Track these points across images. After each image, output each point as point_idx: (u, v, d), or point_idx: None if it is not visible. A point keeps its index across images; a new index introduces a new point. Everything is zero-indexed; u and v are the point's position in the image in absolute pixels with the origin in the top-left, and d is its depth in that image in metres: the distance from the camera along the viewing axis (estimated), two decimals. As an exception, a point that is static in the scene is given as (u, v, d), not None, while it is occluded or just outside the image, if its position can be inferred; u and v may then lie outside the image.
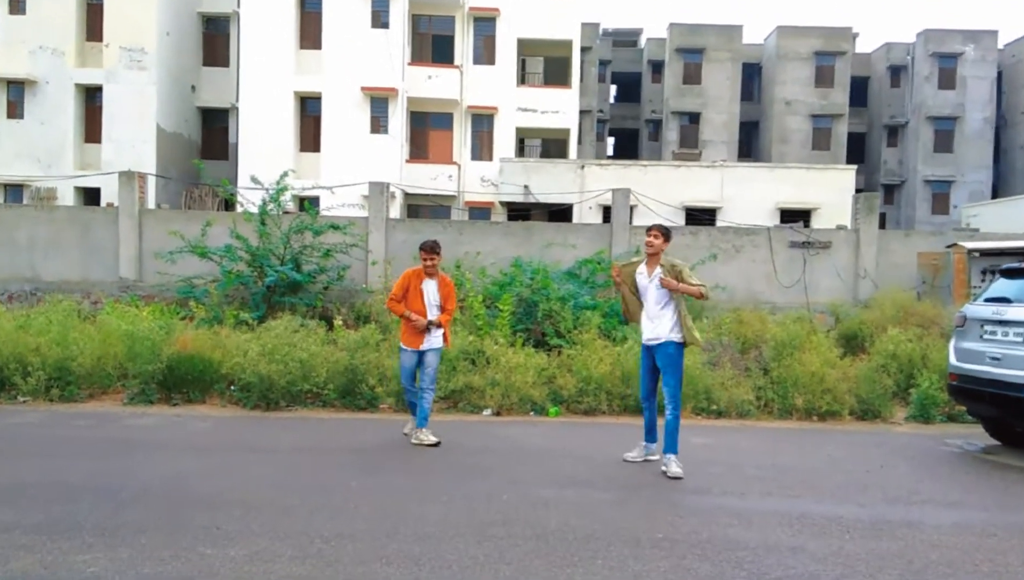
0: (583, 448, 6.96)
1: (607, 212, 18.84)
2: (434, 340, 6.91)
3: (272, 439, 7.12)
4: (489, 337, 9.72)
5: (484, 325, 10.42)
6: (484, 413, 8.53)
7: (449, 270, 13.15)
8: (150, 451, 6.49)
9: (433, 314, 6.87)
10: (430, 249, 6.87)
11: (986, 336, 7.16)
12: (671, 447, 6.09)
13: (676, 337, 6.06)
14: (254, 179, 12.93)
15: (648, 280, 6.14)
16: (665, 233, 6.20)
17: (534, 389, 8.66)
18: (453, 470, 6.09)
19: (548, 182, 24.27)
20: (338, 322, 10.22)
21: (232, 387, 8.69)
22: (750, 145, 40.22)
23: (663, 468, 6.05)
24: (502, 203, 25.53)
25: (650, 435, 6.45)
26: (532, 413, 8.60)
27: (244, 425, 7.77)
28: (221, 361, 8.81)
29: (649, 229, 6.23)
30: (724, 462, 6.62)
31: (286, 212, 13.57)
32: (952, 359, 7.54)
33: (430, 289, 6.90)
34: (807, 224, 22.06)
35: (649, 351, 6.22)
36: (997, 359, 6.92)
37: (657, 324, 6.10)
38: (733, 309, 12.27)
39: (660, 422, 6.40)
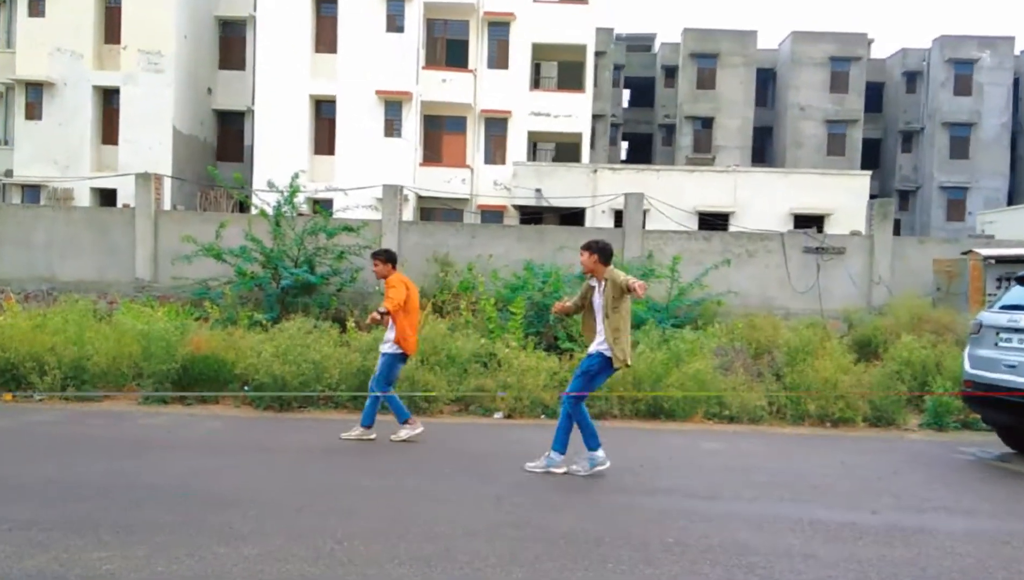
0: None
1: (619, 216, 18.81)
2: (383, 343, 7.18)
3: (285, 440, 7.16)
4: (501, 340, 9.74)
5: (496, 328, 10.44)
6: (496, 416, 8.54)
7: (462, 273, 13.21)
8: (164, 450, 6.54)
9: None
10: (375, 255, 7.32)
11: (1001, 343, 7.10)
12: (555, 444, 6.14)
13: (603, 349, 5.99)
14: (271, 184, 13.02)
15: (598, 293, 6.10)
16: (599, 251, 6.08)
17: (545, 392, 8.66)
18: (464, 472, 6.10)
19: (561, 186, 24.30)
20: (351, 324, 10.26)
21: (246, 387, 8.75)
22: (764, 150, 40.09)
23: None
24: (515, 206, 25.57)
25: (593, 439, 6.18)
26: (543, 416, 8.61)
27: (257, 425, 7.81)
28: (235, 362, 8.87)
29: (582, 247, 6.22)
30: (736, 468, 6.59)
31: (300, 214, 13.64)
32: (967, 366, 7.48)
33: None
34: (821, 230, 21.98)
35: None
36: (1012, 367, 6.86)
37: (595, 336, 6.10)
38: (746, 314, 12.25)
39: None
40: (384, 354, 7.05)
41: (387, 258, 7.30)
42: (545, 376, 8.79)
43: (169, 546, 4.24)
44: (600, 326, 6.03)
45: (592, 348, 6.08)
